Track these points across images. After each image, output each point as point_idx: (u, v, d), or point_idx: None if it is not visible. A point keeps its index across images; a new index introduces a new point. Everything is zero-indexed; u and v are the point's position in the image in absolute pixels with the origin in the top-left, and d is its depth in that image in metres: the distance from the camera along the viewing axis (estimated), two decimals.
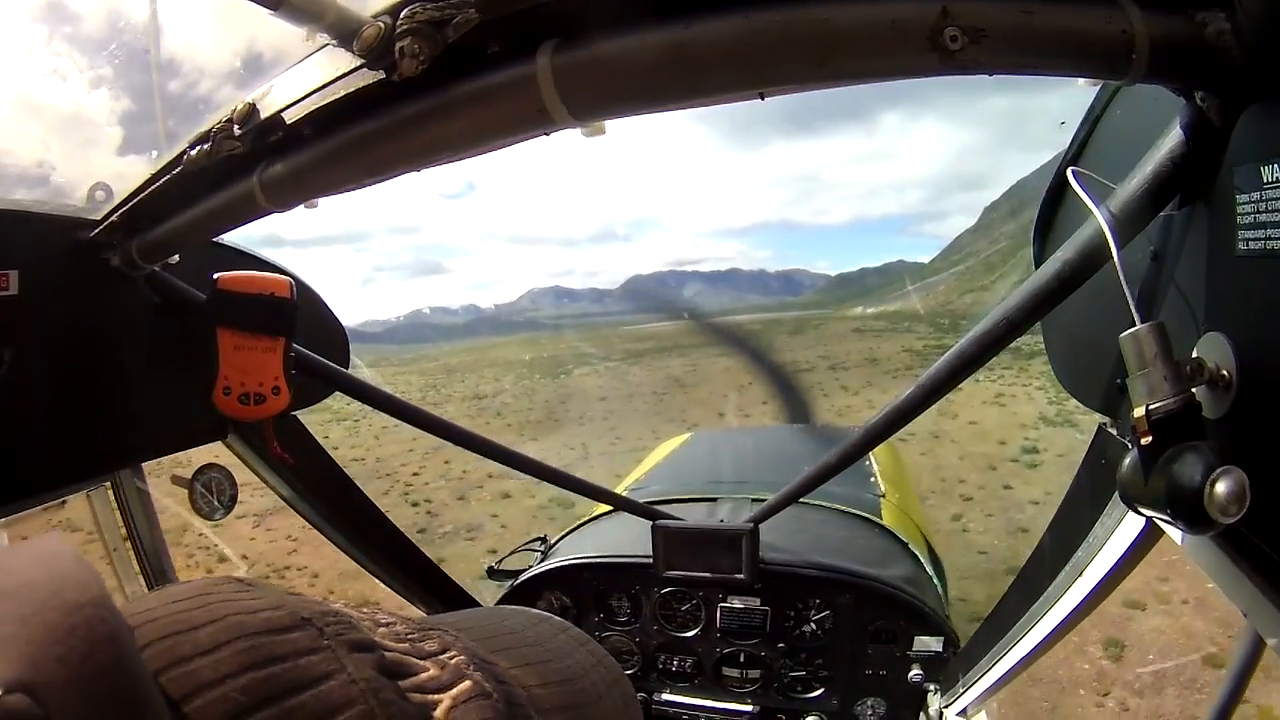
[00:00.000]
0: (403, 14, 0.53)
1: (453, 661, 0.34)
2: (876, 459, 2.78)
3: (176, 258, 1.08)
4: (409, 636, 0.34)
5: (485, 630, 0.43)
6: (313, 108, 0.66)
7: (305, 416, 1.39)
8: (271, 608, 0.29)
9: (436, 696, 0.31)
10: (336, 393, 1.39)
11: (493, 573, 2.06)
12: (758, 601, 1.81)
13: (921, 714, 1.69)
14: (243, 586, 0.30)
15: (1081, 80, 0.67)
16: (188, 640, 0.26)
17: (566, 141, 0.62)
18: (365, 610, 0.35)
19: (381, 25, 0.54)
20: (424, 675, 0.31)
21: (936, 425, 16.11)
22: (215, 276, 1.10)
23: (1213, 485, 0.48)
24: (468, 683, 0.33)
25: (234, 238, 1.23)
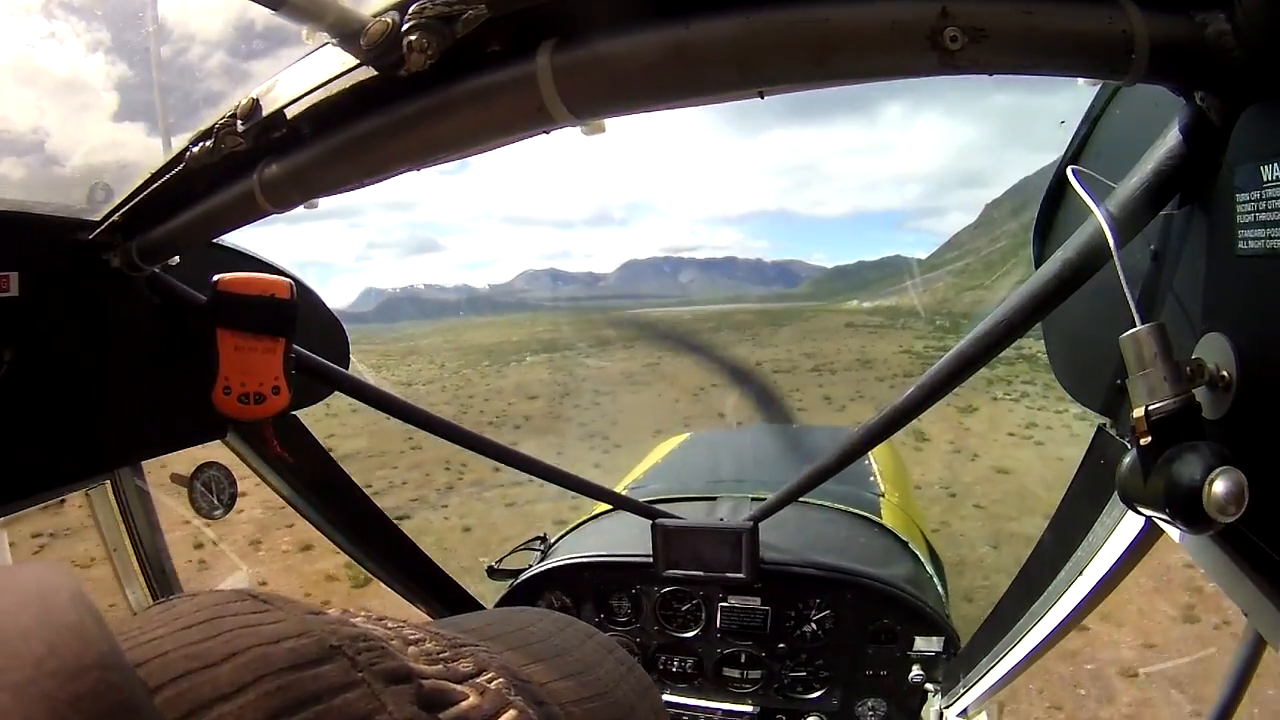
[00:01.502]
0: (410, 9, 0.53)
1: (492, 685, 0.32)
2: (876, 459, 2.79)
3: (176, 259, 1.08)
4: (441, 656, 0.32)
5: (513, 639, 0.41)
6: (314, 103, 0.66)
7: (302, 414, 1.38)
8: (295, 635, 0.26)
9: None
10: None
11: (492, 572, 2.06)
12: (758, 601, 1.81)
13: (922, 715, 1.69)
14: (258, 605, 0.27)
15: (1081, 80, 0.67)
16: (206, 681, 0.22)
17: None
18: (390, 625, 0.33)
19: (389, 21, 0.54)
20: (465, 704, 0.29)
21: (953, 473, 11.70)
22: (215, 278, 1.10)
23: (1211, 485, 0.48)
24: (512, 712, 0.31)
25: (232, 236, 1.23)
